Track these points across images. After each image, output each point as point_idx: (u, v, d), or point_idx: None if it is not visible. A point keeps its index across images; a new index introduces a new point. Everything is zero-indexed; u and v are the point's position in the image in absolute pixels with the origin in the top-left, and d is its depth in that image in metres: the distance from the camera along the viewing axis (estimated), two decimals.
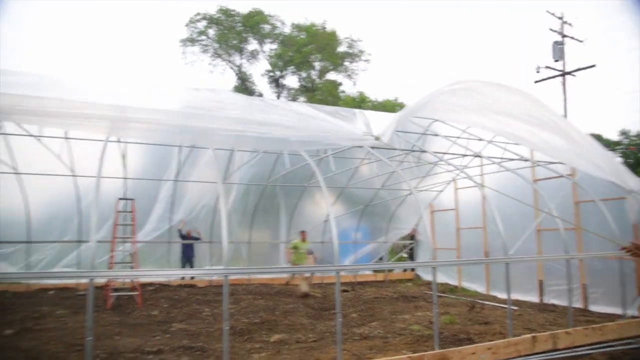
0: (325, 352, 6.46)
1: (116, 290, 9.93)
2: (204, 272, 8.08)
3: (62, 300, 10.29)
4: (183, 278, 13.23)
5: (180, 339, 7.03)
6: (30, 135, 9.21)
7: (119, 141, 9.63)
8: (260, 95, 34.04)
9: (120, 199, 10.27)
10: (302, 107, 6.42)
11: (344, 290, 12.21)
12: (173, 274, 10.72)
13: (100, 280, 10.54)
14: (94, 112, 4.74)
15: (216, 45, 34.55)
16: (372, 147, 7.13)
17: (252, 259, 13.87)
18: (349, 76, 36.39)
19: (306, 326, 8.12)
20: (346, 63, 36.02)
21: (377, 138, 5.82)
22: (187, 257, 12.90)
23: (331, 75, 36.49)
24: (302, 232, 12.04)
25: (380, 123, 6.34)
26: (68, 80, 6.85)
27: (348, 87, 36.59)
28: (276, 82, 36.22)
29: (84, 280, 10.89)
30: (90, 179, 11.59)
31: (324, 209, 14.71)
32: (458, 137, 9.95)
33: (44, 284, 12.05)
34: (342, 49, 35.66)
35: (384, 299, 11.40)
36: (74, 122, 4.80)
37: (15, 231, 11.76)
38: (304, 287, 11.39)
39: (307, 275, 12.09)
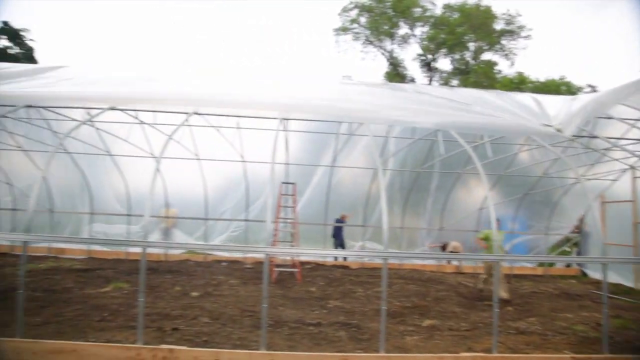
0: (479, 342, 6.40)
1: (278, 266, 10.92)
2: (364, 254, 8.47)
3: (233, 271, 11.62)
4: (336, 259, 13.96)
5: (337, 315, 7.54)
6: (211, 126, 10.47)
7: (285, 130, 10.46)
8: (412, 80, 33.60)
9: (283, 182, 11.21)
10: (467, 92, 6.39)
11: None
12: (341, 254, 11.44)
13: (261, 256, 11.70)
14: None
15: (367, 32, 34.94)
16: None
17: (404, 244, 14.05)
18: (506, 56, 33.76)
19: (458, 314, 8.08)
20: (503, 42, 33.57)
21: (558, 130, 5.30)
22: (339, 240, 13.61)
23: (486, 56, 34.30)
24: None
25: (550, 107, 5.95)
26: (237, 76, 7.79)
27: (505, 68, 34.02)
28: (428, 66, 35.41)
29: (258, 255, 12.25)
30: (255, 164, 12.95)
31: (478, 197, 14.23)
32: (638, 120, 8.82)
33: (217, 255, 13.78)
34: (498, 26, 33.31)
35: (542, 294, 10.73)
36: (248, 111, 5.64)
37: (195, 208, 13.65)
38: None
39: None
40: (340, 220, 13.66)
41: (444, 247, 13.62)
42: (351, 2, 34.26)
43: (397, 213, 14.12)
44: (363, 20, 34.78)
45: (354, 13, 34.67)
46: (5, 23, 35.34)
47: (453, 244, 13.44)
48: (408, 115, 5.66)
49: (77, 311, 7.00)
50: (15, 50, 35.98)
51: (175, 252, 13.43)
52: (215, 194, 13.86)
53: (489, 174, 13.08)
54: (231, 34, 56.16)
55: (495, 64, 33.73)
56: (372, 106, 5.86)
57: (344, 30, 35.18)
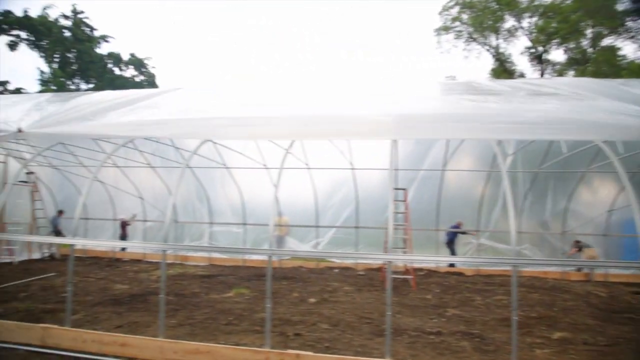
0: None
1: (392, 273, 10.79)
2: (491, 260, 8.11)
3: (346, 278, 11.72)
4: (453, 266, 13.55)
5: (457, 324, 7.27)
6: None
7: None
8: (522, 75, 31.58)
9: (395, 188, 11.11)
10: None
11: (636, 292, 10.62)
12: (466, 260, 11.10)
13: (377, 262, 11.69)
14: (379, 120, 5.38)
15: (470, 29, 33.53)
16: None
17: (524, 250, 13.26)
18: (632, 38, 30.00)
19: (592, 327, 7.40)
20: (629, 23, 29.83)
21: None
22: (453, 247, 13.21)
23: (608, 41, 30.96)
24: None
25: None
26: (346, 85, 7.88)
27: (631, 52, 30.31)
28: (538, 59, 32.91)
29: (378, 262, 12.29)
30: (362, 171, 13.03)
31: (604, 198, 13.03)
32: None
33: (329, 262, 14.02)
34: (622, 6, 29.65)
35: None
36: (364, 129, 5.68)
37: (306, 216, 14.04)
38: None
39: None
40: (456, 226, 13.27)
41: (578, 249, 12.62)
42: (450, 0, 33.21)
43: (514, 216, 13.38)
44: (465, 17, 33.51)
45: (455, 11, 33.55)
46: (132, 55, 39.29)
47: (590, 252, 12.38)
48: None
49: (206, 315, 7.47)
50: (140, 78, 39.82)
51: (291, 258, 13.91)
52: (324, 201, 14.17)
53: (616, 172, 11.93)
54: (328, 37, 57.28)
55: (618, 49, 30.32)
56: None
57: (445, 29, 34.14)
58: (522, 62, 33.49)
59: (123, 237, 15.03)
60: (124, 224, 15.02)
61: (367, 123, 5.76)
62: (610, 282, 12.14)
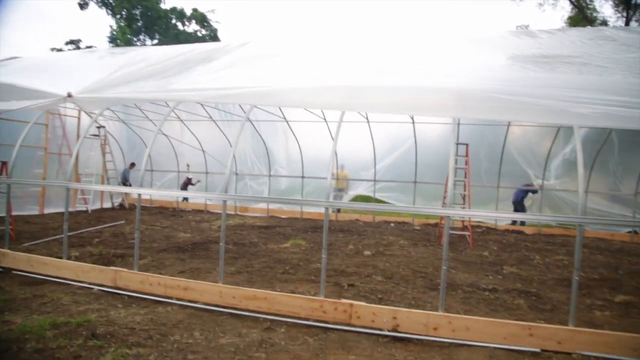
0: None
1: (450, 229, 10.69)
2: (557, 219, 7.72)
3: (402, 232, 11.74)
4: (515, 223, 13.26)
5: (513, 282, 7.16)
6: None
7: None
8: (604, 23, 28.81)
9: (456, 143, 10.83)
10: None
11: None
12: (528, 217, 10.87)
13: (435, 217, 11.56)
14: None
15: None
16: None
17: (587, 210, 12.70)
18: None
19: None
20: None
21: None
22: (521, 207, 12.94)
23: None
24: None
25: None
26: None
27: None
28: (626, 3, 29.53)
29: (437, 214, 12.20)
30: (423, 125, 12.74)
31: None
32: None
33: (385, 216, 14.10)
34: None
35: None
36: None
37: (365, 170, 14.13)
38: None
39: None
40: (529, 185, 12.96)
41: None
42: None
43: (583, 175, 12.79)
44: None
45: None
46: (195, 9, 39.66)
47: None
48: None
49: (263, 263, 7.75)
50: (203, 32, 40.25)
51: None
52: (383, 155, 14.11)
53: None
54: None
55: None
56: None
57: None
58: (605, 9, 29.93)
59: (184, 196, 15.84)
60: (187, 183, 15.70)
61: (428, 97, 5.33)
62: None
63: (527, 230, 12.71)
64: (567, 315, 5.29)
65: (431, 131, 13.18)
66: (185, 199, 16.33)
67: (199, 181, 15.86)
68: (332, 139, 6.47)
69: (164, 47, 8.92)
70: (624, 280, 7.61)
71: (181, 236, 10.20)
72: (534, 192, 13.09)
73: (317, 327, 5.12)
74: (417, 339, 4.84)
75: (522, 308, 5.95)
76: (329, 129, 12.77)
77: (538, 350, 4.61)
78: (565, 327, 4.77)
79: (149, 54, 8.07)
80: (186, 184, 15.69)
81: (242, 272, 7.16)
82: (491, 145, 13.09)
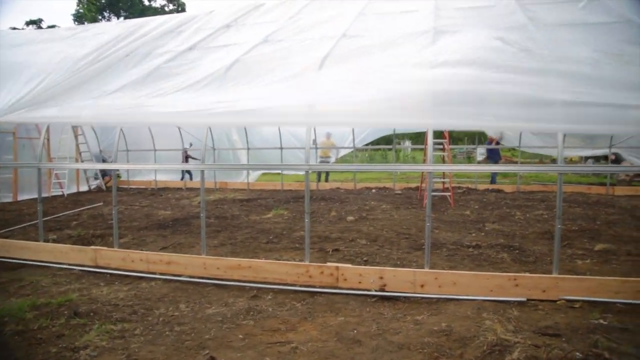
0: None
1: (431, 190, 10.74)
2: (535, 169, 7.64)
3: (383, 197, 11.77)
4: (493, 182, 13.43)
5: (496, 237, 7.23)
6: None
7: None
8: None
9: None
10: None
11: None
12: (504, 169, 10.86)
13: (414, 182, 11.58)
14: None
15: None
16: None
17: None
18: None
19: (637, 239, 7.22)
20: None
21: None
22: (494, 161, 13.02)
23: None
24: None
25: None
26: None
27: None
28: None
29: (418, 172, 12.15)
30: None
31: None
32: None
33: (366, 183, 14.09)
34: None
35: None
36: None
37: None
38: None
39: None
40: (489, 143, 13.03)
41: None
42: None
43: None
44: None
45: None
46: None
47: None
48: None
49: (246, 235, 7.68)
50: (170, 7, 39.06)
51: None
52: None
53: None
54: None
55: None
56: None
57: None
58: None
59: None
60: (187, 156, 15.46)
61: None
62: None
63: (507, 188, 12.87)
64: (549, 266, 5.38)
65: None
66: (188, 174, 16.05)
67: (191, 144, 15.53)
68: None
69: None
70: (602, 230, 7.76)
71: (161, 214, 10.04)
72: (498, 143, 13.17)
73: (304, 292, 5.09)
74: (405, 297, 4.85)
75: (506, 261, 6.01)
76: None
77: (524, 299, 4.66)
78: (550, 276, 4.82)
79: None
80: (187, 157, 15.47)
81: (226, 245, 7.08)
82: None
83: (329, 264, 5.31)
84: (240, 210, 10.12)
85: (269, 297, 5.01)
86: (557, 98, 4.42)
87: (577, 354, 3.37)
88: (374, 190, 13.07)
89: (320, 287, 5.14)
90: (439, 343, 3.72)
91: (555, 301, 4.64)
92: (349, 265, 5.26)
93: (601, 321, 4.21)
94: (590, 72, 4.57)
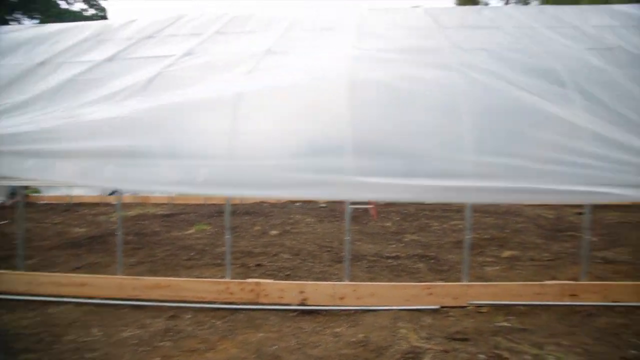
0: (562, 272, 6.19)
1: (353, 203, 10.98)
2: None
3: (308, 211, 11.88)
4: None
5: (414, 248, 7.54)
6: None
7: None
8: (487, 4, 30.50)
9: None
10: None
11: (579, 213, 11.20)
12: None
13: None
14: None
15: None
16: None
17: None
18: None
19: (539, 245, 7.82)
20: None
21: None
22: None
23: None
24: None
25: None
26: None
27: None
28: None
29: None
30: None
31: None
32: None
33: (292, 197, 14.10)
34: None
35: (630, 224, 10.12)
36: None
37: None
38: None
39: None
40: None
41: None
42: None
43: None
44: None
45: None
46: None
47: None
48: None
49: (167, 252, 7.46)
50: (90, 12, 37.22)
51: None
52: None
53: None
54: None
55: None
56: None
57: None
58: None
59: None
60: None
61: None
62: (560, 205, 12.75)
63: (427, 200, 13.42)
64: (460, 274, 5.68)
65: None
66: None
67: None
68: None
69: None
70: (509, 237, 8.33)
71: (76, 231, 9.51)
72: None
73: (225, 309, 5.02)
74: (325, 310, 4.93)
75: (423, 271, 6.29)
76: None
77: (437, 307, 4.90)
78: (460, 284, 5.11)
79: None
80: None
81: (144, 263, 6.84)
82: None
83: (249, 280, 5.29)
84: (161, 226, 9.82)
85: (189, 316, 4.90)
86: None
87: (481, 356, 3.60)
88: (298, 204, 13.16)
89: (241, 303, 5.10)
90: (355, 354, 3.82)
91: (465, 307, 4.92)
92: (270, 281, 5.27)
93: (504, 323, 4.52)
94: None
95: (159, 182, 5.11)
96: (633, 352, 4.08)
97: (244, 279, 5.54)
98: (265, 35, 6.72)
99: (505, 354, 3.61)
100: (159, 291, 5.30)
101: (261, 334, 4.36)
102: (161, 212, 12.01)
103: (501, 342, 3.90)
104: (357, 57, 5.69)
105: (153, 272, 6.26)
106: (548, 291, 5.07)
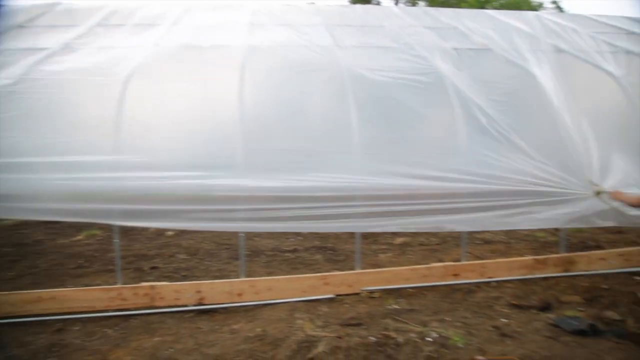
0: (448, 254, 6.72)
1: None
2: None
3: None
4: None
5: (312, 240, 7.71)
6: None
7: None
8: (378, 3, 31.37)
9: None
10: None
11: None
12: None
13: None
14: None
15: None
16: None
17: None
18: None
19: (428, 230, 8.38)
20: None
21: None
22: None
23: None
24: None
25: None
26: None
27: None
28: None
29: None
30: None
31: None
32: None
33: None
34: None
35: None
36: None
37: None
38: None
39: None
40: None
41: None
42: None
43: None
44: None
45: None
46: None
47: None
48: None
49: (52, 261, 6.95)
50: None
51: None
52: None
53: None
54: None
55: None
56: None
57: None
58: None
59: None
60: None
61: None
62: None
63: None
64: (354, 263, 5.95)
65: None
66: None
67: None
68: None
69: None
70: None
71: None
72: None
73: (118, 316, 4.81)
74: (223, 308, 4.91)
75: (320, 262, 6.48)
76: None
77: (333, 295, 5.10)
78: (354, 272, 5.36)
79: None
80: None
81: (25, 276, 6.31)
82: None
83: (143, 284, 5.10)
84: (45, 234, 9.07)
85: (77, 328, 4.63)
86: None
87: (372, 338, 3.82)
88: None
89: (135, 309, 4.92)
90: (253, 348, 3.87)
91: (358, 294, 5.16)
92: (165, 283, 5.14)
93: (395, 306, 4.83)
94: None
95: None
96: (503, 320, 4.56)
97: (138, 283, 5.34)
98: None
99: (393, 334, 3.86)
100: (41, 305, 4.93)
101: (157, 338, 4.25)
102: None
103: (390, 324, 4.17)
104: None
105: (35, 285, 5.79)
106: (434, 273, 5.49)
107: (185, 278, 5.80)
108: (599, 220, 5.15)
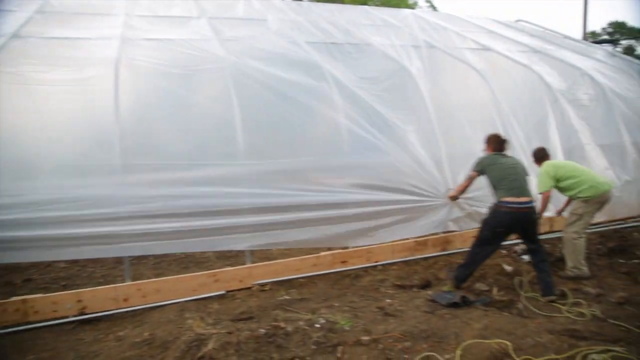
0: None
1: None
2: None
3: None
4: None
5: None
6: None
7: None
8: None
9: None
10: None
11: None
12: None
13: None
14: None
15: None
16: None
17: None
18: None
19: None
20: None
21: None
22: None
23: None
24: None
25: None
26: None
27: None
28: None
29: None
30: None
31: None
32: None
33: None
34: None
35: None
36: None
37: None
38: None
39: None
40: None
41: None
42: None
43: None
44: None
45: None
46: None
47: None
48: None
49: None
50: None
51: None
52: None
53: None
54: None
55: None
56: None
57: None
58: None
59: None
60: None
61: None
62: None
63: None
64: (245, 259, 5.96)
65: None
66: None
67: None
68: None
69: None
70: None
71: None
72: None
73: None
74: (108, 315, 4.68)
75: (212, 260, 6.41)
76: None
77: (224, 292, 5.08)
78: (245, 267, 5.38)
79: None
80: None
81: None
82: None
83: (13, 298, 4.68)
84: None
85: None
86: None
87: (262, 330, 3.88)
88: None
89: (6, 327, 4.49)
90: (140, 354, 3.75)
91: (250, 288, 5.20)
92: (40, 295, 4.75)
93: (286, 297, 4.94)
94: None
95: None
96: (387, 300, 4.86)
97: (8, 298, 4.89)
98: None
99: (282, 324, 3.95)
100: None
101: (31, 357, 3.94)
102: None
103: (280, 314, 4.26)
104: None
105: None
106: (322, 262, 5.69)
107: (65, 288, 5.42)
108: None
